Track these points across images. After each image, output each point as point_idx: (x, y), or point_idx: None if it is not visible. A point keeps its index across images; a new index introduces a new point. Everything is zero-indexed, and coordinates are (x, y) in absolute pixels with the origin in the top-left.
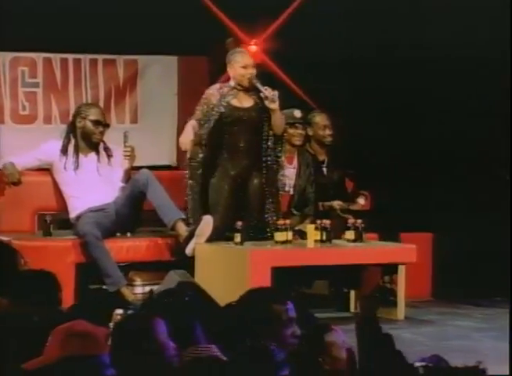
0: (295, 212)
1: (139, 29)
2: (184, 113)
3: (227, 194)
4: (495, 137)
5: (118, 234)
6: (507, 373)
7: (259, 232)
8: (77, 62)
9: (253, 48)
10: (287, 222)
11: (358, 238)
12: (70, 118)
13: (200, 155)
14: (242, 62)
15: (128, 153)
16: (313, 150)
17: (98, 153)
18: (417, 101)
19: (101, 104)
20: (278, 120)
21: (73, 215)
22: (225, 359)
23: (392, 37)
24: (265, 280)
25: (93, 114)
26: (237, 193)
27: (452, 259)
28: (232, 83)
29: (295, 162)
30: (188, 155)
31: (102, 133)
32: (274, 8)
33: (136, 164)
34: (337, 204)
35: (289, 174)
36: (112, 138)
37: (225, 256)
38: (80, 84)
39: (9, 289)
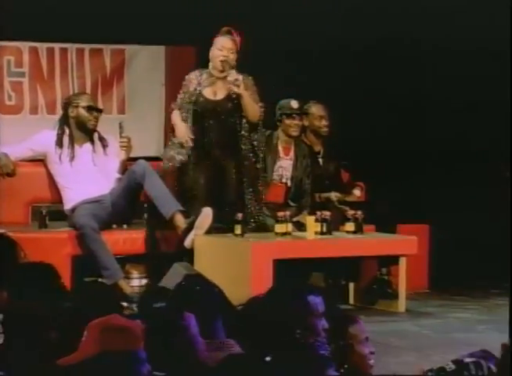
0: (292, 204)
1: (127, 18)
2: (171, 103)
3: (203, 187)
4: (492, 129)
5: (114, 226)
6: None
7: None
8: (64, 51)
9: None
10: (287, 213)
11: (359, 230)
12: (61, 110)
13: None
14: (219, 44)
15: (125, 144)
16: (309, 141)
17: (93, 143)
18: (413, 93)
19: None
20: (248, 106)
21: (68, 206)
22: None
23: (392, 30)
24: (267, 273)
25: (84, 101)
26: (213, 185)
27: (446, 251)
28: (210, 68)
29: (292, 153)
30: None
31: (96, 118)
32: None
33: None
34: (334, 195)
35: (286, 165)
36: (100, 128)
37: (225, 248)
38: (66, 73)
39: (11, 282)
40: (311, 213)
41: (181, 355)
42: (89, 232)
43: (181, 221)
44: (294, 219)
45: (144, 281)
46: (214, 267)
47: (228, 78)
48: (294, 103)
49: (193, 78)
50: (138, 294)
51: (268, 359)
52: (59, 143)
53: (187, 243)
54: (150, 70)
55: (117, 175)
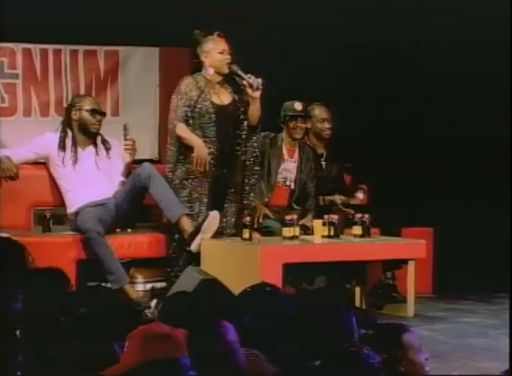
0: (296, 207)
1: (121, 19)
2: (166, 105)
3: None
4: (496, 130)
5: (118, 230)
6: None
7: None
8: (58, 53)
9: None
10: (295, 217)
11: (366, 233)
12: (64, 112)
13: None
14: (218, 47)
15: (129, 147)
16: (311, 143)
17: (96, 146)
18: (416, 94)
19: None
20: (256, 110)
21: (71, 210)
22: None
23: (392, 29)
24: (276, 278)
25: (88, 104)
26: (214, 187)
27: (451, 255)
28: (205, 73)
29: (296, 156)
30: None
31: (99, 122)
32: None
33: None
34: (338, 198)
35: (290, 168)
36: None
37: (233, 252)
38: (60, 75)
39: (21, 287)
40: (317, 216)
41: (220, 362)
42: (95, 236)
43: (187, 224)
44: (299, 223)
45: (148, 286)
46: (222, 271)
47: (247, 81)
48: (298, 105)
49: (192, 87)
50: (148, 298)
51: (317, 363)
52: (62, 146)
53: (194, 247)
54: (144, 71)
55: (121, 178)
